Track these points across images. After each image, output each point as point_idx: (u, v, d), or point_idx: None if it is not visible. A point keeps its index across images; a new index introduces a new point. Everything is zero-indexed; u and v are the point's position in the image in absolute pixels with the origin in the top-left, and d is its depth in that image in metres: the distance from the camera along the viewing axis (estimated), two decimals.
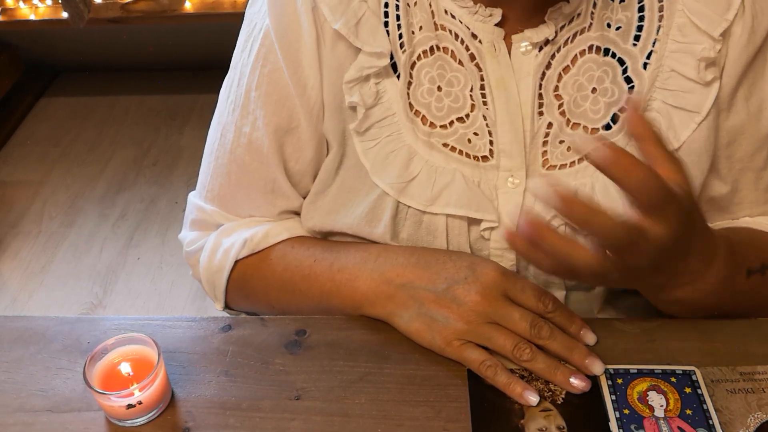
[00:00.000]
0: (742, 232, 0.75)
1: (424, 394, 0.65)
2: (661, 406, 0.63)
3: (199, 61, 2.63)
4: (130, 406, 0.63)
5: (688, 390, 0.64)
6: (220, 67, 0.81)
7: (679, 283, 0.64)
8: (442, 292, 0.67)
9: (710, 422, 0.61)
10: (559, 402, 0.64)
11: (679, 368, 0.65)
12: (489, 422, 0.63)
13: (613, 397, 0.64)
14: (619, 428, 0.61)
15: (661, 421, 0.62)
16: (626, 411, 0.63)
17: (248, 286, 0.80)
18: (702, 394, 0.63)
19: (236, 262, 0.78)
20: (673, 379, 0.65)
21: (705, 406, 0.62)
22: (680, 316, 0.71)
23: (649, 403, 0.63)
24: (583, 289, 0.77)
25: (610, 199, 0.70)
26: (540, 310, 0.66)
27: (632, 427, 0.62)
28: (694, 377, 0.65)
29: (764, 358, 0.67)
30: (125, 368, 0.65)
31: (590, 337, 0.67)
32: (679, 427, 0.61)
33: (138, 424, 0.65)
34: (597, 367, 0.65)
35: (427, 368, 0.68)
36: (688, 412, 0.62)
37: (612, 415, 0.62)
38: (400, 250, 0.71)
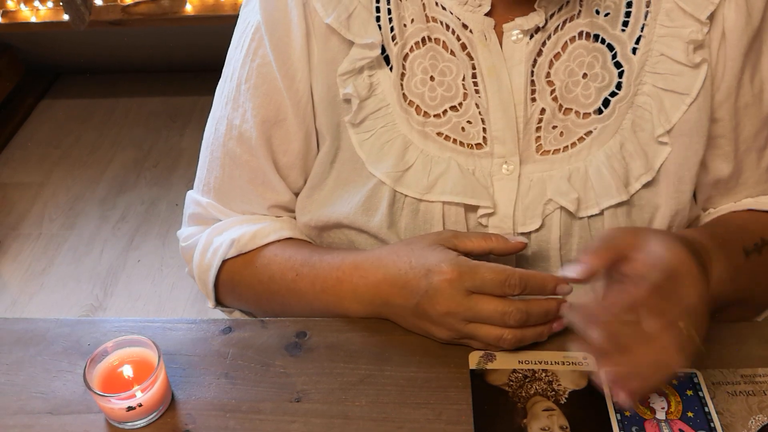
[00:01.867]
0: (730, 220, 0.77)
1: (424, 396, 0.65)
2: (663, 408, 0.63)
3: (200, 63, 2.63)
4: (130, 408, 0.63)
5: (689, 392, 0.64)
6: (221, 69, 0.82)
7: None
8: (414, 308, 0.67)
9: (712, 425, 0.61)
10: (562, 402, 0.64)
11: (681, 370, 0.65)
12: (492, 422, 0.63)
13: (615, 399, 0.63)
14: (620, 430, 0.62)
15: (663, 424, 0.62)
16: (627, 413, 0.63)
17: (237, 290, 0.81)
18: (703, 397, 0.63)
19: (224, 262, 0.79)
20: (674, 382, 0.65)
21: (706, 409, 0.62)
22: None
23: (651, 405, 0.63)
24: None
25: (604, 183, 0.72)
26: (508, 294, 0.65)
27: (633, 429, 0.62)
28: (695, 380, 0.65)
29: (764, 360, 0.67)
30: (125, 370, 0.65)
31: (565, 289, 0.66)
32: (680, 430, 0.61)
33: (138, 426, 0.65)
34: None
35: (427, 370, 0.67)
36: (690, 414, 0.62)
37: (613, 416, 0.62)
38: (368, 264, 0.71)
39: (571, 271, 0.60)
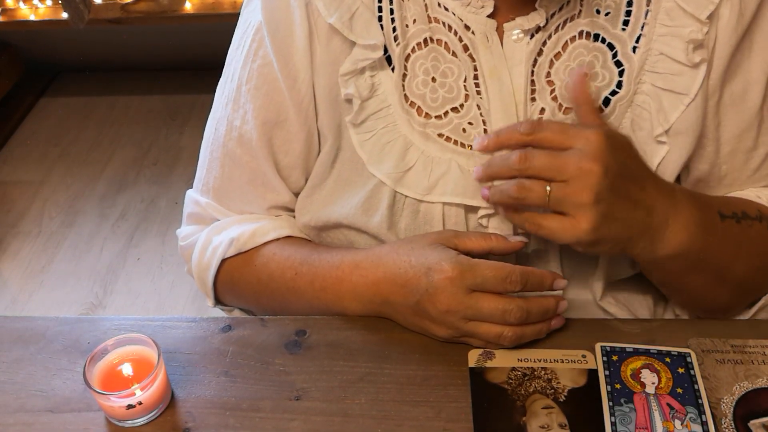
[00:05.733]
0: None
1: (424, 394, 0.65)
2: (653, 383, 0.64)
3: (199, 61, 2.63)
4: (130, 406, 0.63)
5: (681, 370, 0.65)
6: (220, 67, 0.82)
7: (656, 230, 0.65)
8: (414, 305, 0.68)
9: (699, 401, 0.63)
10: (562, 400, 0.64)
11: (675, 349, 0.67)
12: (491, 420, 0.63)
13: (607, 372, 0.65)
14: (609, 401, 0.63)
15: (651, 397, 0.63)
16: (618, 386, 0.64)
17: (237, 289, 0.81)
18: (694, 375, 0.65)
19: (223, 261, 0.79)
20: (667, 359, 0.66)
21: (696, 386, 0.64)
22: (676, 275, 0.72)
23: (641, 379, 0.65)
24: (582, 280, 0.78)
25: None
26: (508, 291, 0.66)
27: (622, 400, 0.63)
28: (689, 359, 0.66)
29: (756, 334, 0.69)
30: (125, 369, 0.65)
31: (562, 284, 0.69)
32: (668, 404, 0.63)
33: (138, 424, 0.65)
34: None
35: (427, 368, 0.68)
36: (679, 390, 0.64)
37: (603, 388, 0.64)
38: (368, 263, 0.71)
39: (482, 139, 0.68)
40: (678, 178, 0.75)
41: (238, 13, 0.80)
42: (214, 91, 0.82)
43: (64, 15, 2.32)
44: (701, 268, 0.70)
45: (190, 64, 2.74)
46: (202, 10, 2.34)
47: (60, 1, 2.31)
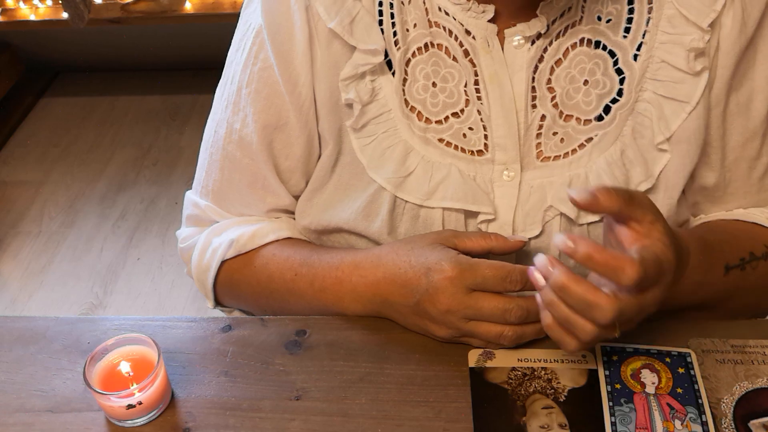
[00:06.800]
0: (723, 227, 0.76)
1: (424, 394, 0.65)
2: (653, 383, 0.65)
3: (199, 61, 2.63)
4: (130, 406, 0.63)
5: (681, 370, 0.65)
6: (220, 67, 0.82)
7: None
8: (414, 306, 0.68)
9: (699, 401, 0.63)
10: (562, 400, 0.64)
11: (675, 349, 0.67)
12: (491, 420, 0.63)
13: (607, 372, 0.65)
14: (609, 401, 0.63)
15: (651, 397, 0.63)
16: (618, 386, 0.64)
17: (236, 290, 0.81)
18: (694, 375, 0.65)
19: (223, 262, 0.79)
20: (667, 359, 0.66)
21: (696, 386, 0.64)
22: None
23: (642, 379, 0.65)
24: None
25: None
26: (509, 290, 0.66)
27: (622, 400, 0.63)
28: (688, 359, 0.66)
29: (756, 334, 0.69)
30: (125, 368, 0.65)
31: None
32: (668, 404, 0.63)
33: (138, 424, 0.65)
34: None
35: (427, 368, 0.68)
36: (679, 390, 0.64)
37: (603, 388, 0.64)
38: (368, 263, 0.71)
39: (576, 193, 0.57)
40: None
41: (238, 14, 0.79)
42: (214, 91, 0.82)
43: (64, 15, 2.32)
44: (691, 308, 0.71)
45: (190, 64, 2.74)
46: (202, 10, 2.34)
47: (60, 1, 2.31)
